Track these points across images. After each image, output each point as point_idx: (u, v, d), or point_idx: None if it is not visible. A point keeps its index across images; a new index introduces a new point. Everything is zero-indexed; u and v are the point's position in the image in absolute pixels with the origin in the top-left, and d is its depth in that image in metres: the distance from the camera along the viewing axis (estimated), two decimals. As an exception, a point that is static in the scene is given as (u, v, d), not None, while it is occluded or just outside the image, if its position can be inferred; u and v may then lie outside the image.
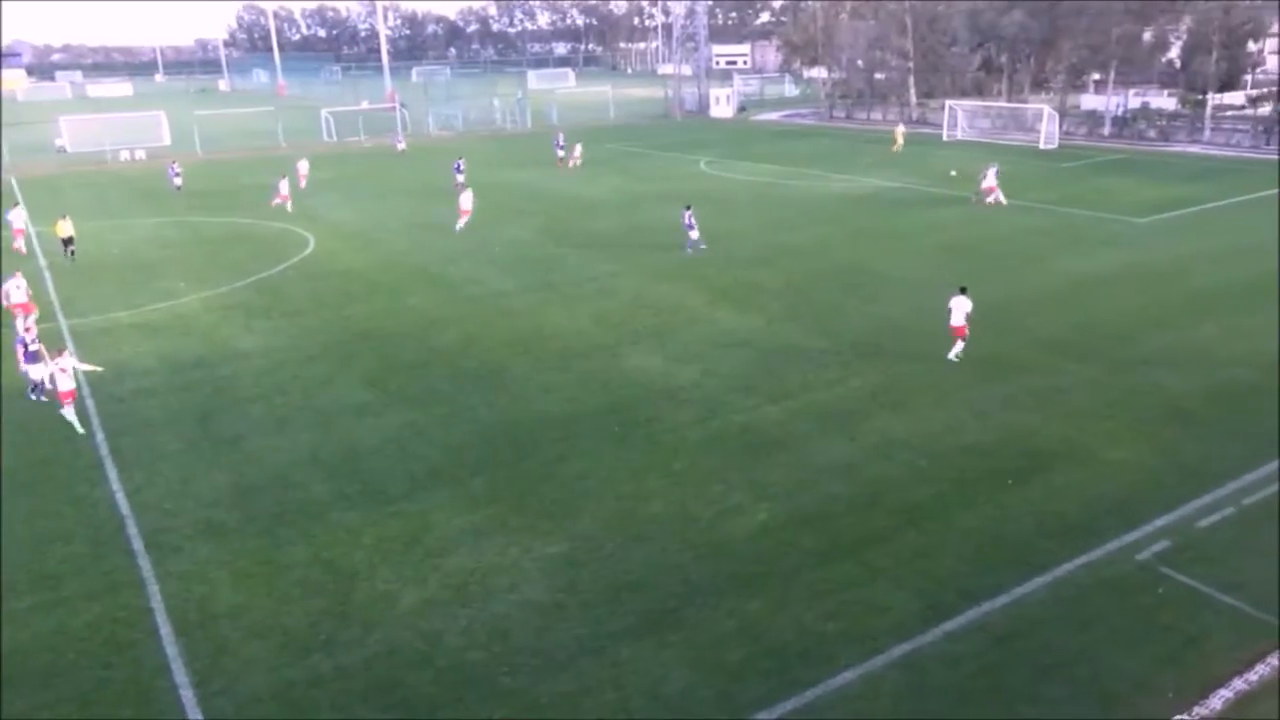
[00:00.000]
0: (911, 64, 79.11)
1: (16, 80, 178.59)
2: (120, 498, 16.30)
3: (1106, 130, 66.06)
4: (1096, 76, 76.45)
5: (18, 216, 35.43)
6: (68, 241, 33.50)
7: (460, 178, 48.23)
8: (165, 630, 12.63)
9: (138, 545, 14.75)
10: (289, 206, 42.95)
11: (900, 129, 63.76)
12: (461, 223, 37.69)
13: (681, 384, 20.84)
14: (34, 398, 20.40)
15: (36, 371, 20.24)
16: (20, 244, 34.81)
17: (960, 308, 21.79)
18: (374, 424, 19.18)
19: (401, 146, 68.46)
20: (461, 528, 15.03)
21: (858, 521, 14.91)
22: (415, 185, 51.00)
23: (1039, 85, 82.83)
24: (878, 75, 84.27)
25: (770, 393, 20.18)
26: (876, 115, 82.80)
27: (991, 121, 70.75)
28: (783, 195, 45.20)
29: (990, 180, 40.57)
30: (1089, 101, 74.53)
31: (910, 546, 14.16)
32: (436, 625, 12.61)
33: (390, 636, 12.40)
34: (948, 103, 70.34)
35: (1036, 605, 12.67)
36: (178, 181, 49.60)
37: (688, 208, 33.99)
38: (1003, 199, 40.14)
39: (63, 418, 19.08)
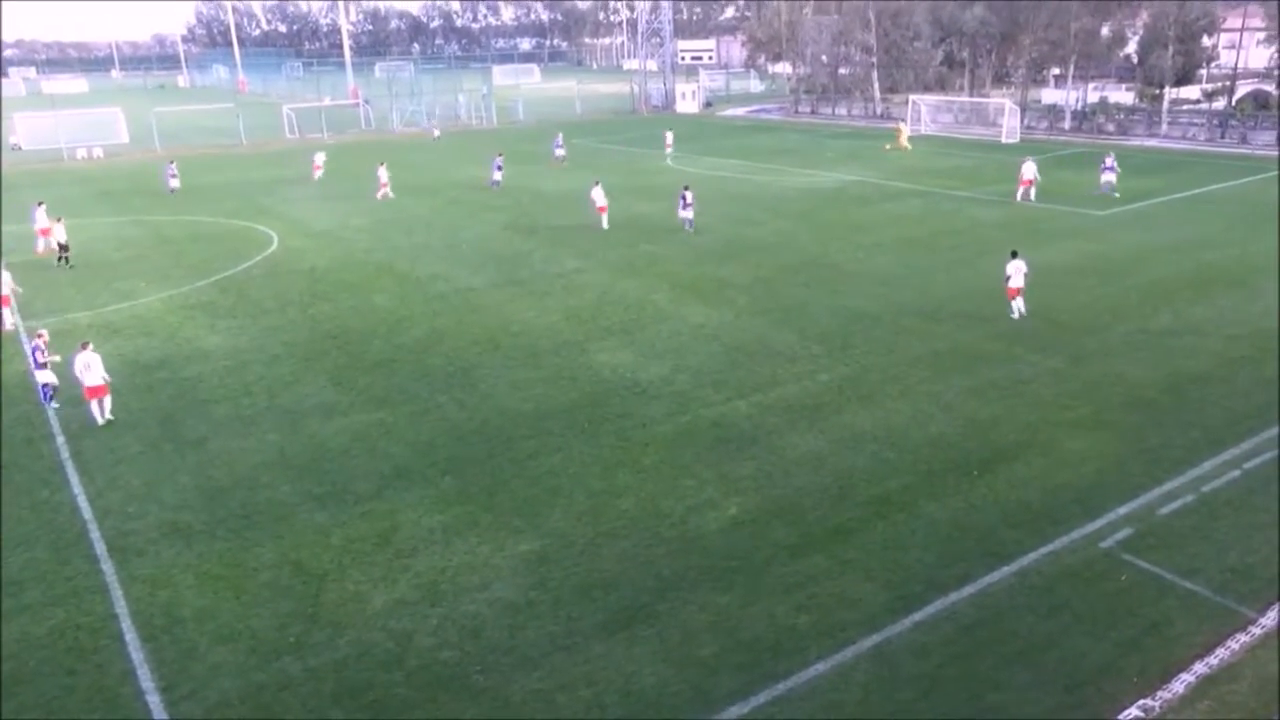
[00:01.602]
0: (875, 59, 79.63)
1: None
2: (82, 502, 16.03)
3: (1067, 124, 66.96)
4: (1056, 71, 77.44)
5: (41, 215, 34.71)
6: (63, 247, 32.32)
7: (498, 175, 47.73)
8: (130, 636, 12.44)
9: (100, 550, 14.51)
10: (390, 193, 44.50)
11: (903, 126, 61.39)
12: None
13: (651, 379, 20.85)
14: (50, 405, 19.86)
15: (44, 376, 19.66)
16: (41, 244, 34.16)
17: (1018, 270, 23.86)
18: (341, 423, 19.00)
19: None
20: (431, 527, 14.94)
21: (827, 514, 15.02)
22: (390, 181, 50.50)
23: (1000, 80, 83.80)
24: (842, 70, 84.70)
25: (740, 387, 20.25)
26: (841, 110, 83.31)
27: (955, 116, 71.47)
28: (748, 190, 45.34)
29: (1028, 174, 40.33)
30: (1049, 96, 75.48)
31: (879, 538, 14.29)
32: (407, 625, 12.53)
33: (361, 638, 12.31)
34: (911, 97, 70.96)
35: (1003, 594, 12.84)
36: (174, 183, 48.10)
37: (686, 188, 36.37)
38: (1031, 195, 40.02)
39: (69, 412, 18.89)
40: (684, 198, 35.76)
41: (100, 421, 19.20)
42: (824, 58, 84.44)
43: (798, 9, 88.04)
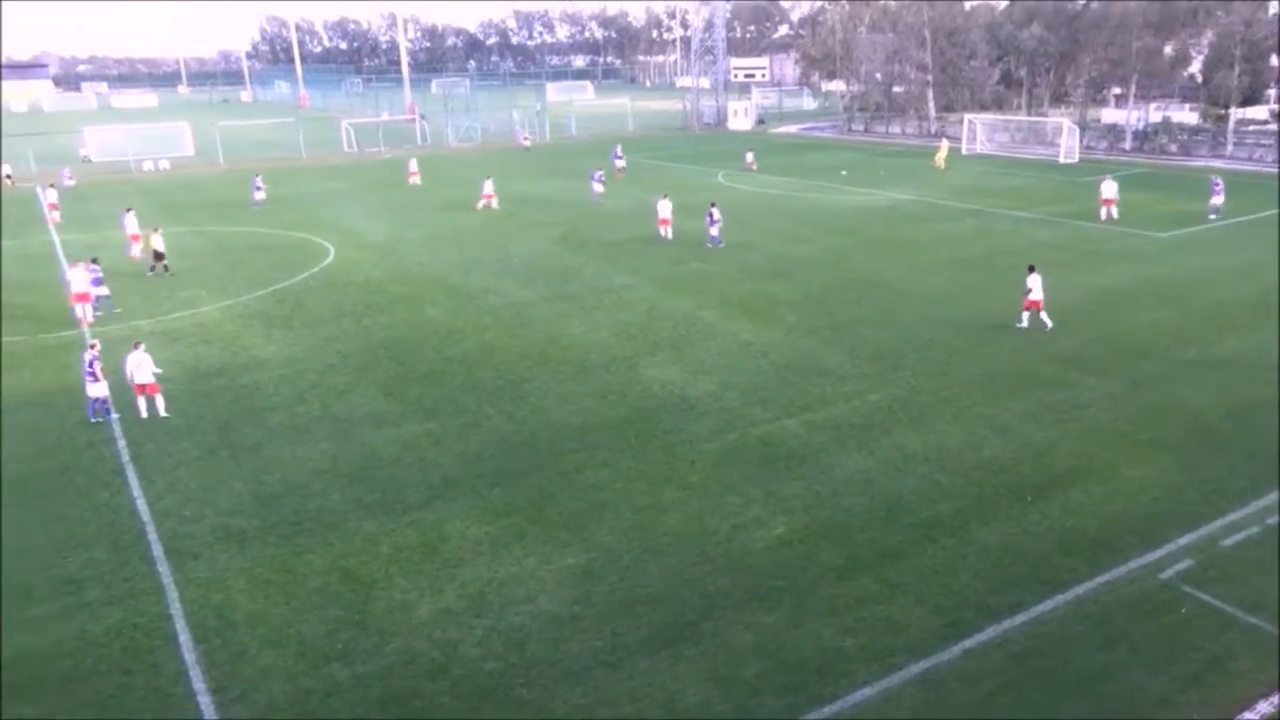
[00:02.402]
0: (930, 77, 78.99)
1: (43, 90, 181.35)
2: (141, 504, 16.41)
3: (1127, 144, 65.71)
4: (1117, 90, 76.10)
5: (131, 221, 36.41)
6: (158, 255, 33.29)
7: (598, 187, 48.75)
8: (184, 637, 12.69)
9: (157, 551, 14.84)
10: (495, 204, 45.53)
11: (944, 143, 62.09)
12: (666, 231, 37.15)
13: (699, 396, 20.81)
14: (95, 419, 19.98)
15: (96, 390, 19.82)
16: (135, 249, 35.56)
17: (1038, 284, 24.38)
18: (392, 433, 19.24)
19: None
20: (479, 538, 15.04)
21: (876, 536, 14.82)
22: (438, 195, 51.24)
23: (1059, 99, 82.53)
24: (896, 88, 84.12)
25: (788, 405, 20.12)
26: (895, 129, 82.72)
27: (1011, 135, 70.55)
28: (799, 207, 45.17)
29: (1108, 193, 39.59)
30: (1109, 115, 74.16)
31: (929, 562, 14.06)
32: (453, 635, 12.60)
33: (407, 646, 12.41)
34: (966, 116, 70.20)
35: (1057, 623, 12.55)
36: (260, 195, 49.11)
37: (713, 204, 36.47)
38: (1114, 214, 39.21)
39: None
40: (710, 214, 36.04)
41: (144, 415, 19.98)
42: (878, 76, 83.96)
43: (853, 27, 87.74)
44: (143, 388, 20.15)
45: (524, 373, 22.64)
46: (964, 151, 66.38)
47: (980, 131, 68.43)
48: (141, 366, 20.06)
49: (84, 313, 27.51)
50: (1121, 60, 67.36)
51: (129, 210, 37.58)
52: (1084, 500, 15.76)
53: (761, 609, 13.00)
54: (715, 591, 13.45)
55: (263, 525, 15.60)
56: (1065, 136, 61.76)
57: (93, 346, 20.38)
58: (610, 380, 22.01)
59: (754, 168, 58.27)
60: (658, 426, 19.23)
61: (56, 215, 45.33)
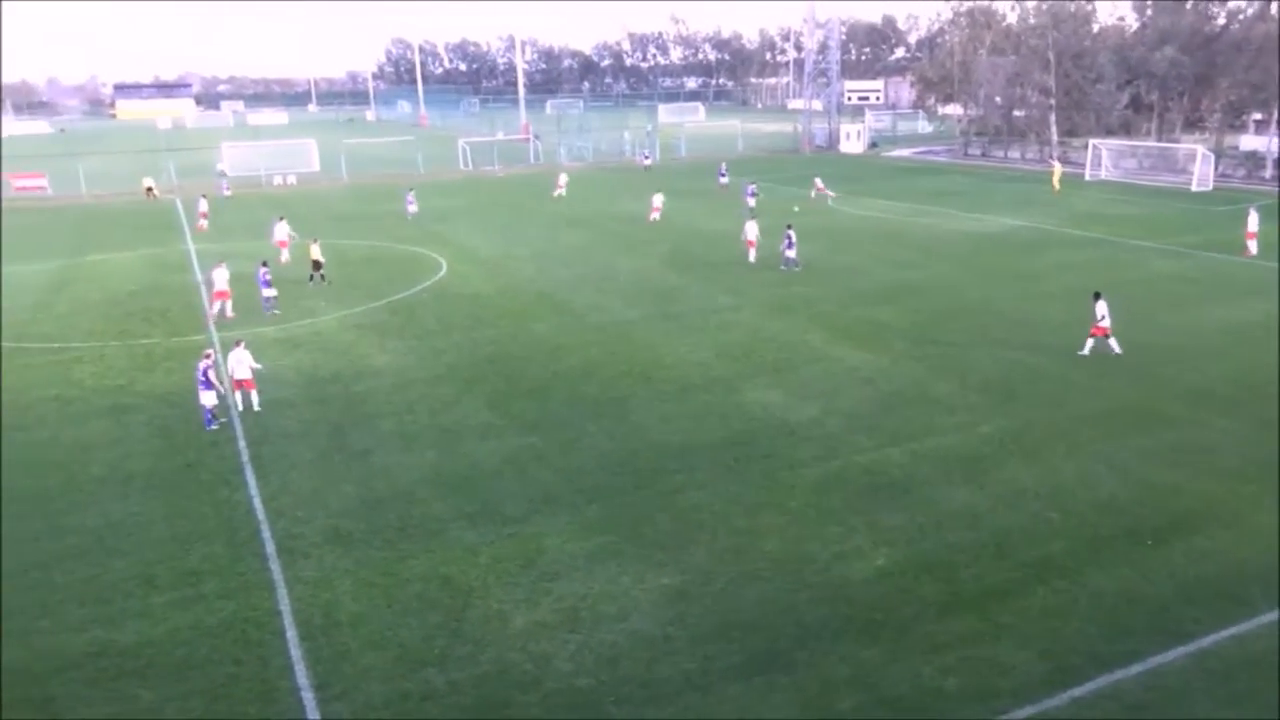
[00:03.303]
0: (1053, 101, 76.45)
1: (186, 109, 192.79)
2: (257, 503, 17.14)
3: (1268, 173, 62.12)
4: (1258, 116, 72.14)
5: (282, 229, 39.11)
6: (316, 265, 34.98)
7: (752, 201, 50.26)
8: (291, 633, 13.16)
9: (270, 549, 15.46)
10: (658, 217, 47.61)
11: (1057, 166, 61.46)
12: (752, 255, 37.22)
13: (801, 421, 20.54)
14: (212, 426, 20.63)
15: (208, 398, 20.59)
16: (285, 256, 38.04)
17: (1104, 311, 24.09)
18: (495, 446, 19.61)
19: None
20: (575, 553, 15.15)
21: (982, 573, 14.31)
22: (547, 213, 52.25)
23: (1192, 125, 78.75)
24: (1016, 112, 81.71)
25: (893, 434, 19.67)
26: (1014, 153, 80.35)
27: (1139, 161, 67.61)
28: (910, 232, 44.26)
29: (1254, 226, 37.44)
30: (1249, 142, 70.28)
31: (1038, 604, 13.49)
32: (546, 648, 12.71)
33: (501, 656, 12.57)
34: (1092, 141, 67.65)
35: (1176, 676, 11.85)
36: (413, 209, 50.81)
37: (789, 226, 36.25)
38: (1254, 248, 37.11)
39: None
40: (788, 237, 35.78)
41: (240, 409, 21.25)
42: (998, 99, 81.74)
43: (972, 49, 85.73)
44: (240, 383, 21.46)
45: (626, 391, 22.78)
46: (1087, 177, 63.97)
47: (1105, 157, 65.82)
48: (241, 363, 21.37)
49: (220, 309, 29.88)
50: (1263, 84, 63.84)
51: (281, 218, 40.35)
52: (1208, 547, 14.88)
53: (859, 641, 12.70)
54: (811, 620, 13.20)
55: (369, 529, 16.09)
56: (1199, 164, 58.84)
57: (207, 355, 21.14)
58: (711, 401, 21.94)
59: (826, 191, 56.97)
60: (758, 450, 19.05)
61: (204, 224, 48.64)
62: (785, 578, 14.29)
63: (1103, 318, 24.19)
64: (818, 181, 58.08)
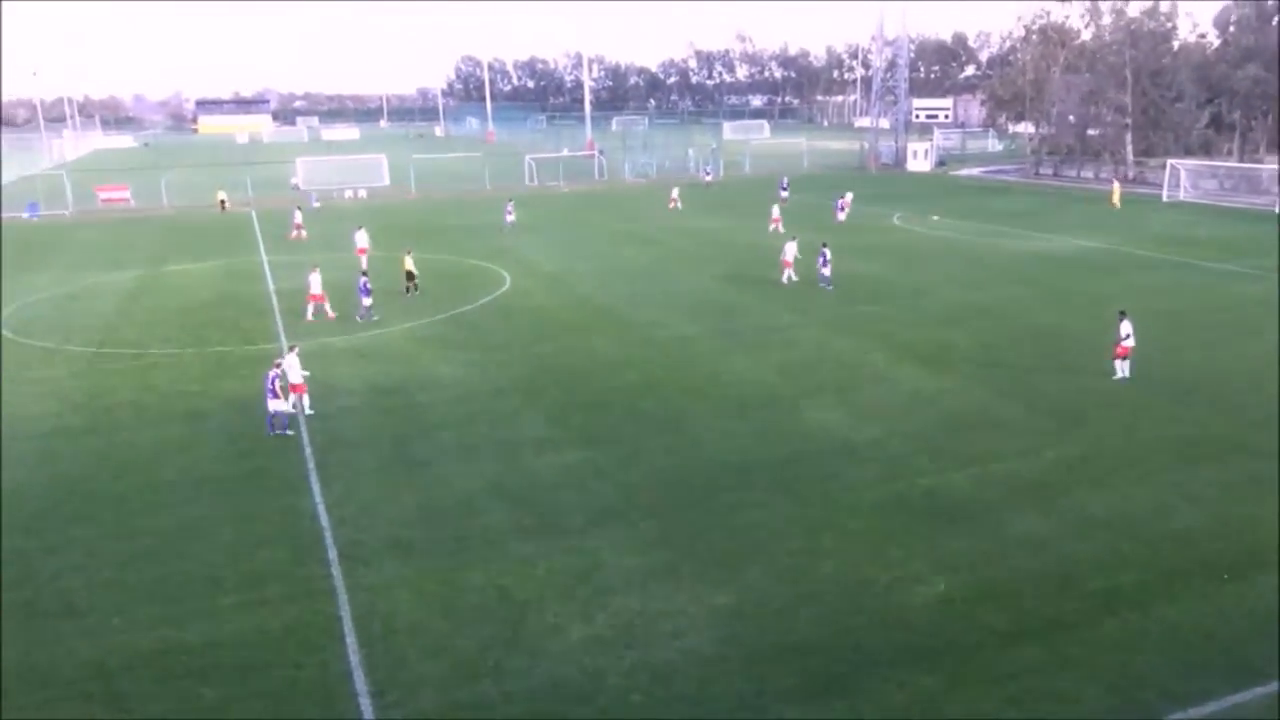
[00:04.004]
0: (1129, 120, 74.65)
1: (263, 124, 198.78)
2: (321, 510, 17.49)
3: (1358, 194, 59.71)
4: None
5: (362, 237, 42.22)
6: (409, 276, 35.84)
7: (841, 215, 52.66)
8: (351, 639, 13.36)
9: (333, 555, 15.75)
10: (781, 228, 48.70)
11: (1116, 185, 61.65)
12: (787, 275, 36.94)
13: (863, 441, 20.28)
14: (273, 433, 21.09)
15: (275, 405, 21.05)
16: (363, 261, 39.64)
17: (1126, 329, 23.58)
18: (554, 459, 19.72)
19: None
20: (631, 568, 15.14)
21: (1047, 603, 13.93)
22: (610, 229, 52.59)
23: (1276, 145, 76.15)
24: (1090, 131, 79.93)
25: (957, 457, 19.30)
26: (1087, 173, 78.59)
27: (1219, 182, 65.61)
28: (977, 252, 43.50)
29: None
30: (1336, 163, 67.75)
31: (1106, 636, 13.07)
32: (600, 663, 12.70)
33: (555, 670, 12.60)
34: (1170, 162, 65.83)
35: (1253, 717, 11.37)
36: (510, 219, 52.51)
37: (824, 245, 36.35)
38: None
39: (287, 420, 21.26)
40: (823, 255, 35.67)
41: (292, 410, 21.77)
42: (1071, 117, 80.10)
43: (1045, 67, 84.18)
44: (294, 387, 22.06)
45: (685, 407, 22.75)
46: (1164, 198, 62.25)
47: (1184, 177, 63.98)
48: (293, 368, 22.01)
49: (314, 312, 31.72)
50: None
51: (360, 227, 42.80)
52: (1291, 584, 14.28)
53: (918, 668, 12.44)
54: (869, 645, 12.98)
55: (428, 538, 16.29)
56: (1283, 185, 56.84)
57: (277, 365, 21.73)
58: (771, 419, 21.79)
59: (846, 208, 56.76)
60: (818, 470, 18.85)
61: (303, 234, 50.72)
62: (843, 600, 14.09)
63: (1126, 337, 23.64)
64: (847, 197, 57.99)
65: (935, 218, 50.95)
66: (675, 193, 61.67)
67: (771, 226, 49.67)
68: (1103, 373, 24.36)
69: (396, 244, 47.75)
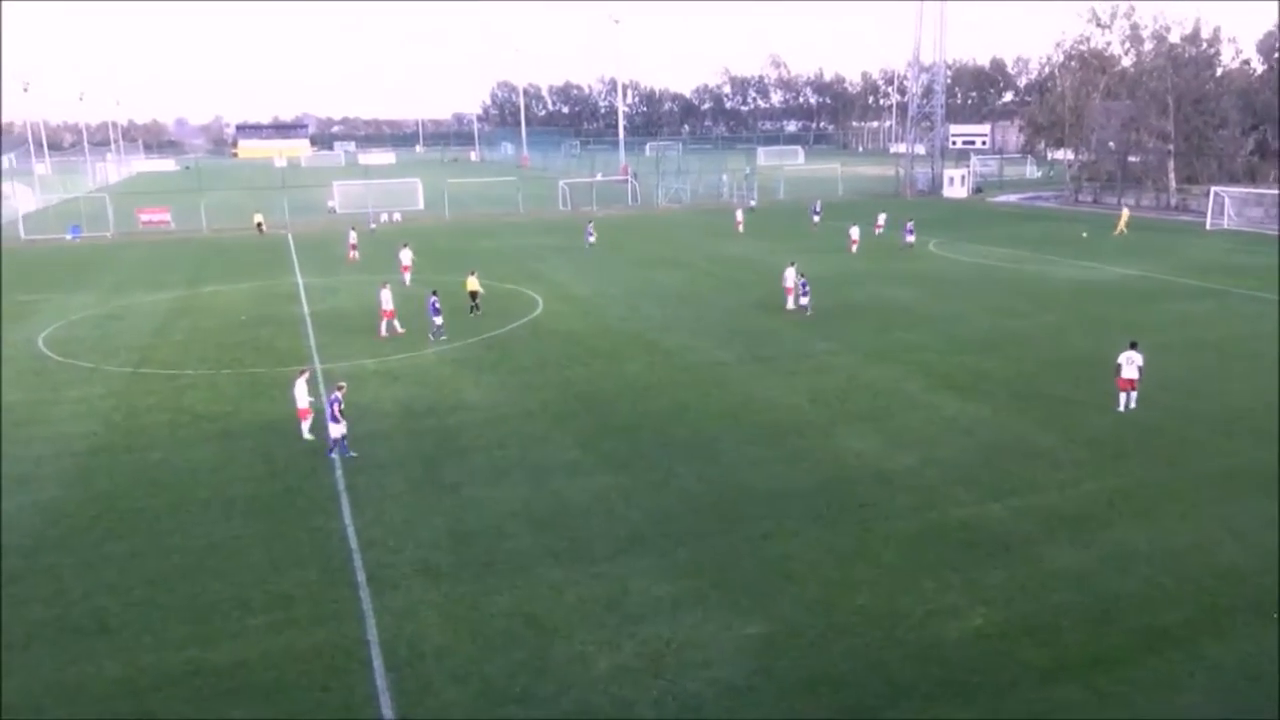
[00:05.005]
0: (1172, 146, 73.86)
1: (301, 148, 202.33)
2: (350, 532, 17.57)
3: None
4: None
5: (406, 255, 43.73)
6: (473, 295, 36.40)
7: (910, 238, 53.90)
8: (378, 663, 13.37)
9: (361, 578, 15.79)
10: (855, 250, 51.34)
11: (1125, 212, 62.16)
12: None
13: (897, 470, 20.06)
14: (334, 455, 21.09)
15: (337, 429, 21.05)
16: (407, 278, 42.06)
17: (1130, 362, 23.16)
18: (584, 484, 19.69)
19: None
20: (660, 596, 15.03)
21: (1087, 639, 13.64)
22: (642, 253, 52.76)
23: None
24: (1131, 158, 79.17)
25: (994, 488, 19.02)
26: (1129, 200, 77.74)
27: (1265, 210, 64.53)
28: (1015, 280, 43.09)
29: None
30: (1386, 191, 66.49)
31: (1149, 674, 12.76)
32: (628, 693, 12.59)
33: (583, 698, 12.51)
34: (1213, 189, 64.95)
35: (1304, 763, 11.03)
36: (591, 239, 55.35)
37: (792, 264, 36.91)
38: None
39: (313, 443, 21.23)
40: (802, 283, 35.88)
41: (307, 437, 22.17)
42: (1111, 144, 79.42)
43: (1085, 93, 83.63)
44: (302, 413, 22.35)
45: (716, 433, 22.65)
46: (1208, 226, 61.43)
47: (1228, 205, 63.07)
48: (302, 393, 22.33)
49: (387, 328, 32.71)
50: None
51: (405, 245, 44.38)
52: (1343, 624, 13.87)
53: (953, 704, 12.21)
54: (903, 680, 12.77)
55: (457, 562, 16.30)
56: (1332, 213, 55.86)
57: (340, 387, 21.50)
58: (804, 446, 21.63)
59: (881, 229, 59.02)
60: (851, 499, 18.66)
61: (355, 254, 51.69)
62: (876, 633, 13.88)
63: (1119, 368, 23.45)
64: (881, 218, 60.73)
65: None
66: (740, 215, 63.40)
67: (853, 248, 51.77)
68: (1143, 402, 23.92)
69: (432, 267, 48.28)
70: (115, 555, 16.70)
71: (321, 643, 13.90)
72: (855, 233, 53.23)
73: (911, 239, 53.71)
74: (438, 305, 32.39)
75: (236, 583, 15.66)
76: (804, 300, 35.75)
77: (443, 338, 32.06)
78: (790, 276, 37.01)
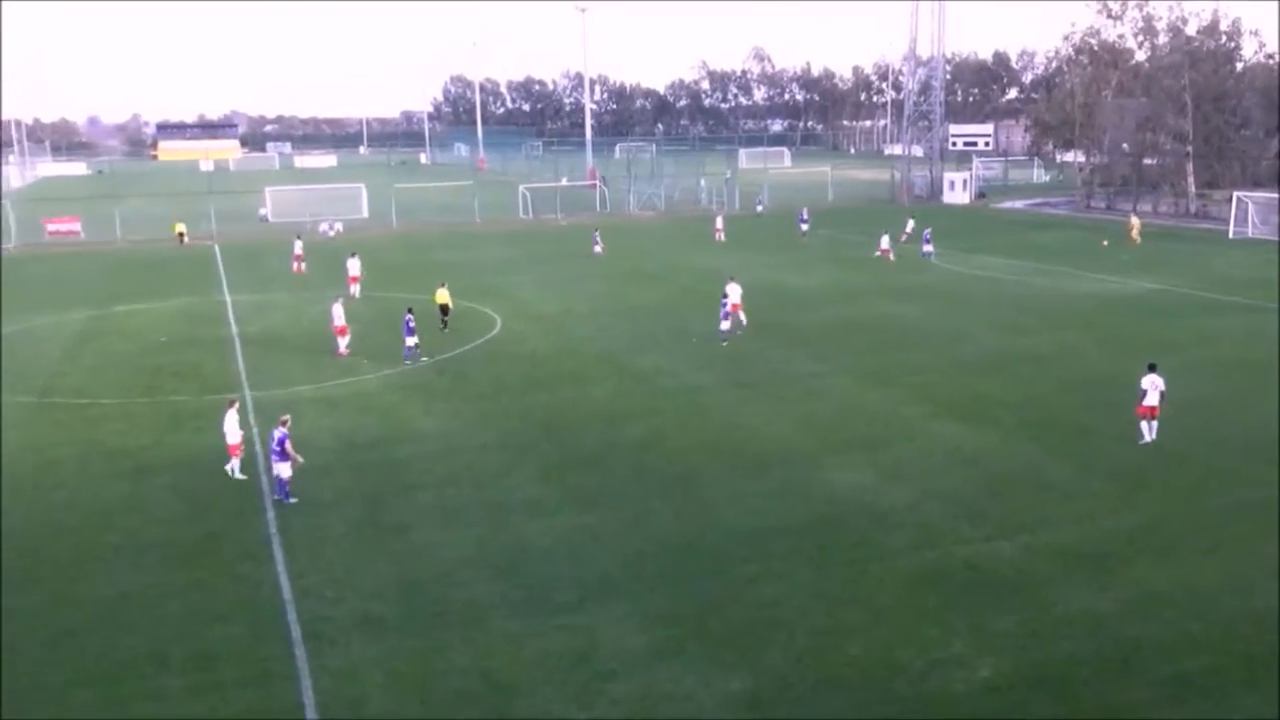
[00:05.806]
0: (1190, 148, 75.29)
1: (229, 150, 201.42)
2: (283, 580, 17.35)
3: None
4: None
5: (354, 265, 44.39)
6: (444, 309, 36.69)
7: (928, 247, 54.61)
8: (313, 729, 13.16)
9: (296, 633, 15.57)
10: (892, 256, 52.67)
11: (1135, 220, 63.02)
12: None
13: (894, 505, 20.15)
14: (279, 497, 20.68)
15: (282, 470, 20.60)
16: (355, 290, 43.26)
17: (1155, 386, 23.07)
18: (547, 524, 19.60)
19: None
20: (634, 649, 14.95)
21: (1106, 691, 13.72)
22: (612, 266, 52.89)
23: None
24: (1147, 160, 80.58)
25: (1002, 524, 19.15)
26: (1145, 206, 79.06)
27: (1292, 217, 65.83)
28: (1023, 294, 43.65)
29: None
30: None
31: (1175, 729, 12.84)
32: (597, 758, 12.48)
33: (546, 765, 12.38)
34: (1236, 194, 66.20)
35: (1346, 825, 11.10)
36: (598, 249, 57.55)
37: (732, 278, 36.71)
38: None
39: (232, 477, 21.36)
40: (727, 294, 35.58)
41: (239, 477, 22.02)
42: (1125, 145, 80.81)
43: (1096, 91, 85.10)
44: (233, 449, 22.10)
45: (695, 465, 22.66)
46: (1231, 235, 62.56)
47: (1252, 212, 64.28)
48: (233, 427, 22.07)
49: (342, 345, 33.12)
50: None
51: (353, 255, 45.01)
52: (1385, 671, 14.04)
53: (959, 766, 12.20)
54: (903, 739, 12.75)
55: (403, 614, 16.13)
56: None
57: (284, 422, 21.12)
58: (791, 480, 21.69)
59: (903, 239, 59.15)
60: (843, 537, 18.71)
61: (303, 266, 51.90)
62: (873, 687, 13.88)
63: (1144, 394, 23.13)
64: (909, 223, 61.41)
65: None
66: (719, 223, 65.16)
67: (878, 254, 53.38)
68: (1166, 428, 24.20)
69: (382, 282, 48.09)
70: (13, 610, 16.34)
71: (249, 708, 13.67)
72: (885, 241, 53.94)
73: (929, 248, 54.25)
74: (412, 325, 32.19)
75: (153, 638, 15.39)
76: (724, 325, 34.55)
77: (422, 360, 32.04)
78: (735, 293, 36.17)
